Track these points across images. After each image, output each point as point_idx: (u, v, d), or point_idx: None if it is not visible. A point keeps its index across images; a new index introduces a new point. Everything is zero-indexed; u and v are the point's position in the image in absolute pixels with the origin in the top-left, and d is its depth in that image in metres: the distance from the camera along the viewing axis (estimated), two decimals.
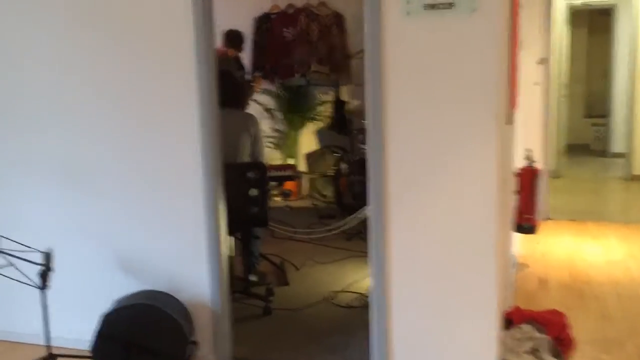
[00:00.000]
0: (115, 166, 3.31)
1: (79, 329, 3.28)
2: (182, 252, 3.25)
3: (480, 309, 2.83)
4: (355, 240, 5.33)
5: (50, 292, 2.87)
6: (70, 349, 3.19)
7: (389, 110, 2.79)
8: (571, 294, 4.14)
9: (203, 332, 3.25)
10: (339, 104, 6.82)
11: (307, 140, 7.31)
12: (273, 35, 7.13)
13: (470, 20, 2.63)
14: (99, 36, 3.23)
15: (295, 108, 7.15)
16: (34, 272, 2.83)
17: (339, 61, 6.93)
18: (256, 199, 3.83)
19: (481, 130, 2.70)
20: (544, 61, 5.98)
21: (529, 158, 4.48)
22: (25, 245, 2.84)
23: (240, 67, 6.46)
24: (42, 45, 3.35)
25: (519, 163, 4.69)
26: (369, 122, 2.85)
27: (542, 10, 5.95)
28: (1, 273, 2.79)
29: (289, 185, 6.46)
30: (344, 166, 6.19)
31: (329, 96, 7.10)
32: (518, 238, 5.10)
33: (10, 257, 2.82)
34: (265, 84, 7.09)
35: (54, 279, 2.88)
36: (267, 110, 7.19)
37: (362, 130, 4.31)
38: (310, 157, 7.14)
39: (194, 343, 3.18)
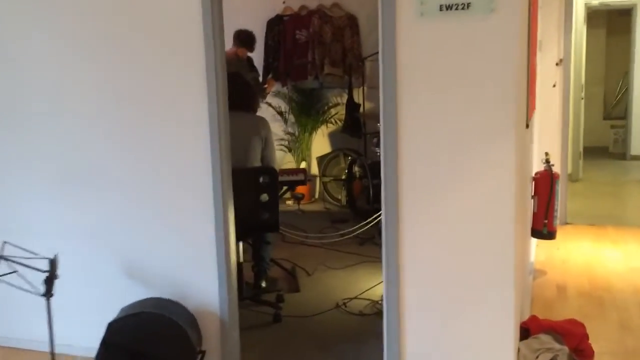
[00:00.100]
0: (121, 170, 3.25)
1: (83, 336, 3.24)
2: (190, 258, 3.18)
3: (497, 318, 2.77)
4: (368, 245, 5.28)
5: (54, 298, 2.81)
6: (74, 356, 3.15)
7: (402, 113, 2.74)
8: (590, 302, 4.03)
9: (211, 341, 3.19)
10: (352, 107, 6.75)
11: (320, 143, 7.26)
12: (285, 37, 7.09)
13: (488, 21, 2.57)
14: (103, 36, 3.18)
15: (307, 110, 7.10)
16: (38, 278, 2.78)
17: (353, 63, 6.86)
18: (267, 204, 3.77)
19: (499, 135, 2.63)
20: (562, 62, 5.87)
21: (547, 162, 4.37)
22: (30, 251, 2.79)
23: (253, 68, 6.41)
24: (44, 46, 3.30)
25: (537, 167, 4.59)
26: (382, 125, 2.80)
27: (561, 11, 5.84)
28: (5, 281, 2.74)
29: (301, 188, 6.40)
30: (357, 170, 6.12)
31: (342, 99, 7.02)
32: (535, 243, 4.99)
33: (14, 264, 2.77)
34: (277, 86, 7.06)
35: (58, 284, 2.82)
36: (280, 112, 7.14)
37: (376, 134, 4.23)
38: (322, 160, 7.09)
39: (202, 352, 3.12)
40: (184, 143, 3.11)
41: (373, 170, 5.43)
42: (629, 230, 5.71)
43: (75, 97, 3.28)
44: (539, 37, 4.34)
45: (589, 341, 3.17)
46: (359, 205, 6.08)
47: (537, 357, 2.94)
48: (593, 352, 3.15)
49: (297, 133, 7.17)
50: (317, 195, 7.23)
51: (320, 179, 7.10)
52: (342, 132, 6.90)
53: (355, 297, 4.13)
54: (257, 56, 6.68)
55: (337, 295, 4.20)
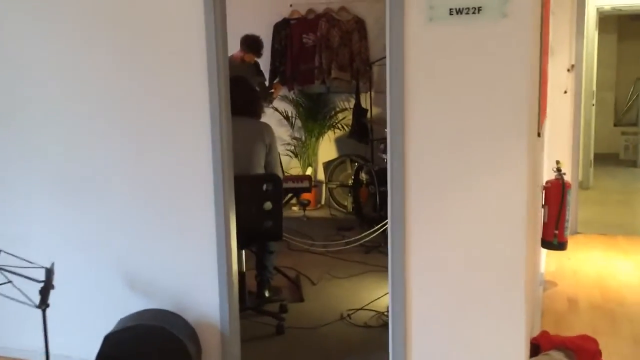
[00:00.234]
0: (120, 178, 3.18)
1: (82, 346, 3.18)
2: (190, 268, 3.10)
3: (507, 333, 2.67)
4: (374, 254, 5.19)
5: (50, 309, 2.73)
6: None
7: (410, 119, 2.66)
8: (602, 315, 3.92)
9: (211, 355, 3.10)
10: (359, 112, 6.65)
11: (327, 149, 7.18)
12: (292, 41, 7.01)
13: (499, 26, 2.48)
14: (105, 43, 3.11)
15: (314, 115, 7.02)
16: (33, 288, 2.69)
17: (360, 68, 6.77)
18: (270, 212, 3.68)
19: (511, 142, 2.54)
20: (573, 68, 5.76)
21: (558, 170, 4.26)
22: (26, 260, 2.71)
23: (259, 72, 6.34)
24: (44, 46, 3.24)
25: (547, 175, 4.48)
26: (389, 131, 2.72)
27: (573, 16, 5.73)
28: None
29: (306, 195, 6.31)
30: (364, 176, 6.02)
31: (349, 103, 6.93)
32: (545, 253, 4.88)
33: (9, 274, 2.69)
34: (284, 91, 6.98)
35: (55, 295, 2.73)
36: (286, 117, 7.06)
37: (383, 139, 4.12)
38: (329, 165, 7.00)
39: None
40: (185, 150, 3.03)
41: (380, 177, 5.34)
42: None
43: (81, 107, 3.21)
44: (550, 43, 4.24)
45: (602, 358, 3.06)
46: (365, 213, 5.99)
47: None
48: None
49: (303, 138, 7.10)
50: (323, 202, 7.15)
51: (326, 185, 7.02)
52: (349, 138, 6.80)
53: (361, 309, 4.03)
54: (264, 60, 6.59)
55: (342, 306, 4.11)
